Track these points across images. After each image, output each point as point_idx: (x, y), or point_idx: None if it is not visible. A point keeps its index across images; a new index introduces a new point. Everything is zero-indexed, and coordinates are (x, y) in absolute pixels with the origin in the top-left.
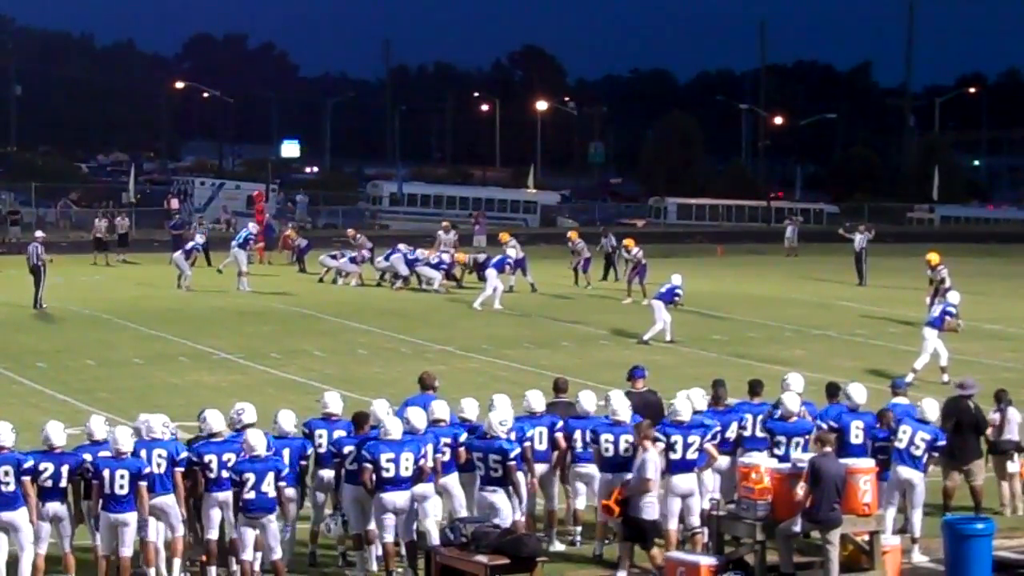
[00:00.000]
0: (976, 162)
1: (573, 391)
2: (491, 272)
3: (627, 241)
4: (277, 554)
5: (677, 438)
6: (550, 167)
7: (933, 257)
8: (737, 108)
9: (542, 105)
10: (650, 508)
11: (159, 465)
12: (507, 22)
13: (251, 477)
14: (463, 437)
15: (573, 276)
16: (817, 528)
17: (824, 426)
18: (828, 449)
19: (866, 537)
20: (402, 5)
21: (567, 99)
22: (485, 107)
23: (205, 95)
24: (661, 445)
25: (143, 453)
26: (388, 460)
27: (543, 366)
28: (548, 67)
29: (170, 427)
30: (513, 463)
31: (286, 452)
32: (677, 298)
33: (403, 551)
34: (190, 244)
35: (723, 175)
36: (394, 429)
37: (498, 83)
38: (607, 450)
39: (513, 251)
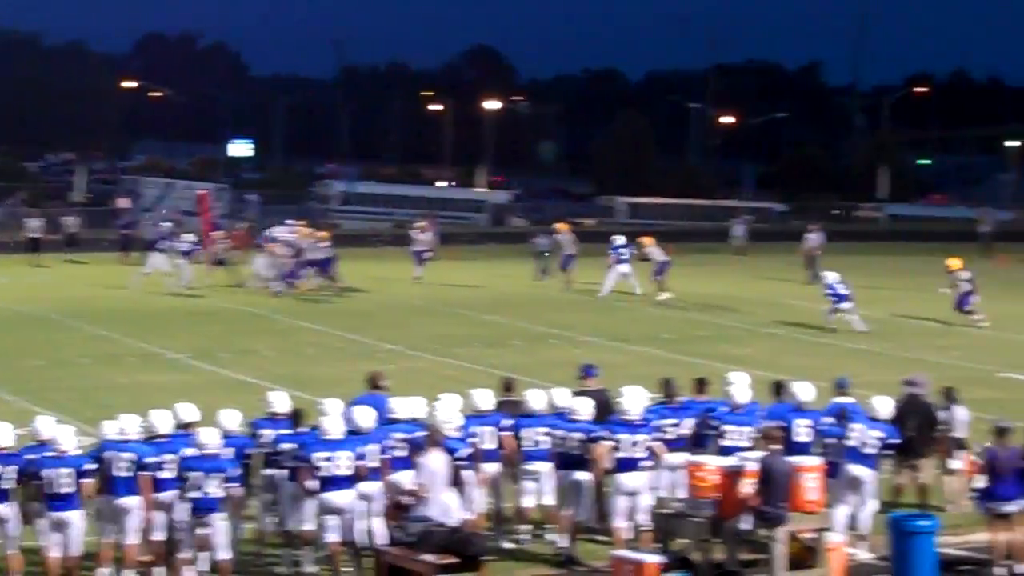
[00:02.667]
0: (925, 161)
1: (523, 390)
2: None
3: (645, 239)
4: (223, 554)
5: (623, 437)
6: (501, 166)
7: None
8: (687, 107)
9: (493, 104)
10: (441, 511)
11: (127, 468)
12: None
13: (197, 476)
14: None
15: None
16: (764, 526)
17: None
18: (777, 447)
19: (812, 534)
20: (354, 5)
21: (518, 98)
22: (436, 106)
23: (156, 94)
24: (609, 444)
25: (111, 455)
26: (323, 460)
27: (492, 365)
28: (499, 66)
29: (139, 429)
30: (461, 462)
31: (229, 451)
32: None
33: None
34: (185, 246)
35: (673, 174)
36: (332, 428)
37: (449, 82)
38: (559, 446)
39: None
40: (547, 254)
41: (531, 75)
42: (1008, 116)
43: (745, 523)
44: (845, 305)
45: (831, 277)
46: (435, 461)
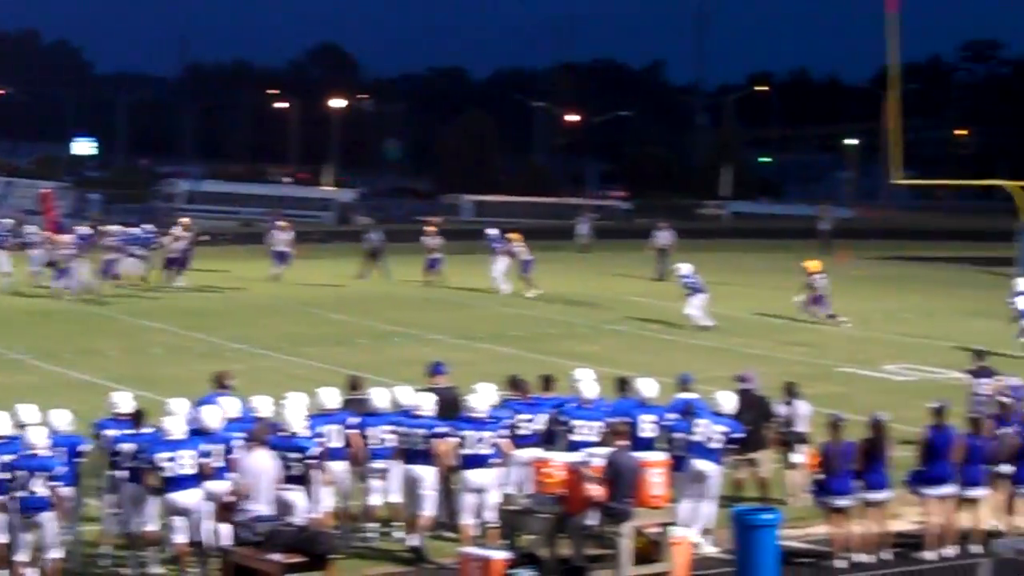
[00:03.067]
0: (766, 159)
1: (370, 388)
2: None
3: (513, 235)
4: (54, 553)
5: (469, 433)
6: (346, 165)
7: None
8: (532, 106)
9: (338, 103)
10: (271, 510)
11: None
12: (304, 20)
13: (23, 476)
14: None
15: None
16: (610, 521)
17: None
18: (624, 443)
19: (657, 529)
20: (198, 2)
21: (363, 97)
22: (282, 105)
23: None
24: (454, 441)
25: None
26: (166, 460)
27: (340, 364)
28: (344, 65)
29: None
30: (313, 460)
31: (61, 451)
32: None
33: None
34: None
35: (519, 172)
36: (173, 428)
37: (295, 81)
38: (403, 443)
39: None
40: (378, 251)
41: (376, 73)
42: (846, 115)
43: (591, 519)
44: (700, 297)
45: (685, 268)
46: (259, 460)
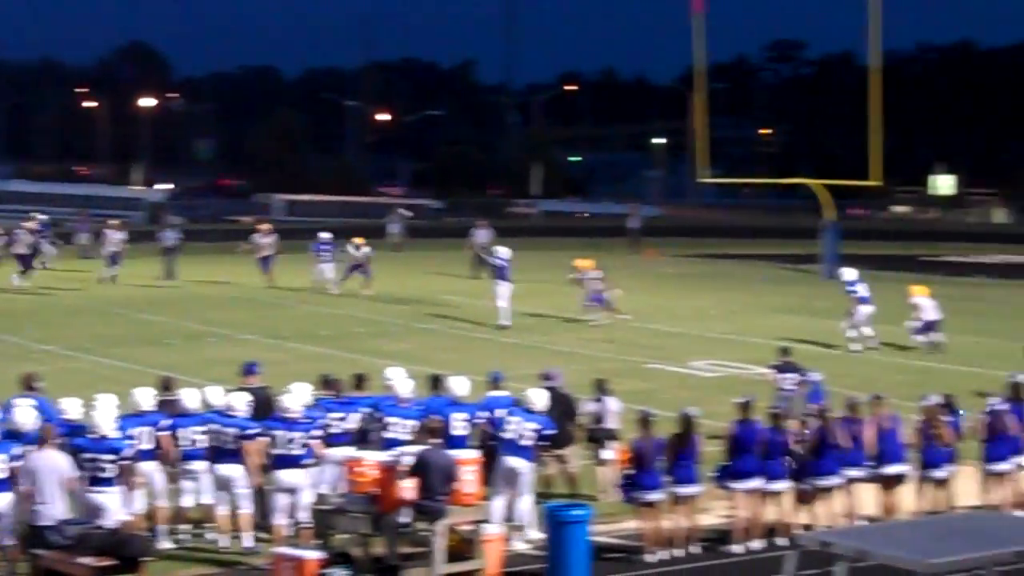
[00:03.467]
0: (575, 158)
1: (181, 389)
2: None
3: (357, 239)
4: None
5: (280, 434)
6: (157, 164)
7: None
8: (343, 105)
9: (148, 101)
10: (62, 511)
11: None
12: (112, 18)
13: None
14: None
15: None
16: (423, 519)
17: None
18: (436, 440)
19: (469, 527)
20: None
21: (173, 95)
22: (91, 103)
23: None
24: (265, 440)
25: None
26: None
27: (150, 364)
28: (154, 63)
29: None
30: (125, 462)
31: None
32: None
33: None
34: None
35: (330, 171)
36: None
37: (104, 79)
38: (215, 441)
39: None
40: (171, 251)
41: (186, 72)
42: (654, 114)
43: (404, 517)
44: (505, 286)
45: (503, 251)
46: (49, 460)
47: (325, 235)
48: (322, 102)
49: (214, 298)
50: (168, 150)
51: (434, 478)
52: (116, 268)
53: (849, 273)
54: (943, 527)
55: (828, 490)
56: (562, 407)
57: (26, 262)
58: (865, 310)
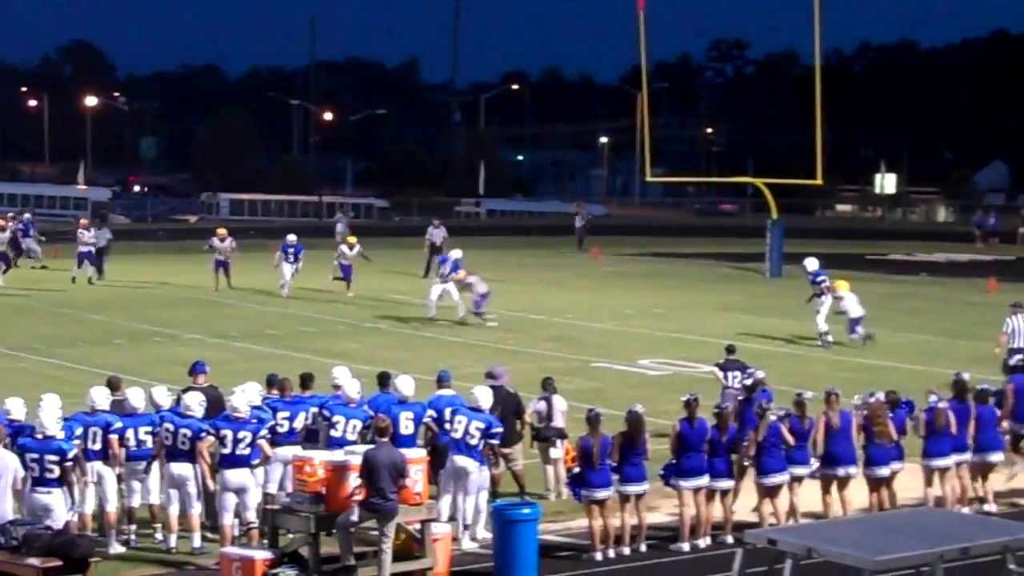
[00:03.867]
0: (521, 157)
1: (127, 389)
2: None
3: (350, 239)
4: None
5: (227, 433)
6: (101, 163)
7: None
8: (288, 104)
9: (91, 100)
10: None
11: None
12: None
13: None
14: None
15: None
16: (372, 518)
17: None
18: (383, 439)
19: (418, 526)
20: None
21: (117, 94)
22: (33, 102)
23: None
24: (212, 440)
25: None
26: None
27: (97, 364)
28: (97, 62)
29: None
30: (71, 463)
31: None
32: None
33: None
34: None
35: (275, 170)
36: None
37: (47, 78)
38: (167, 439)
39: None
40: (103, 250)
41: (130, 71)
42: (599, 113)
43: (353, 516)
44: (450, 285)
45: (455, 253)
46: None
47: (292, 237)
48: (267, 101)
49: (160, 298)
50: (113, 149)
51: (382, 477)
52: (83, 268)
53: (812, 264)
54: (889, 524)
55: (778, 487)
56: (509, 405)
57: (4, 260)
58: (829, 302)
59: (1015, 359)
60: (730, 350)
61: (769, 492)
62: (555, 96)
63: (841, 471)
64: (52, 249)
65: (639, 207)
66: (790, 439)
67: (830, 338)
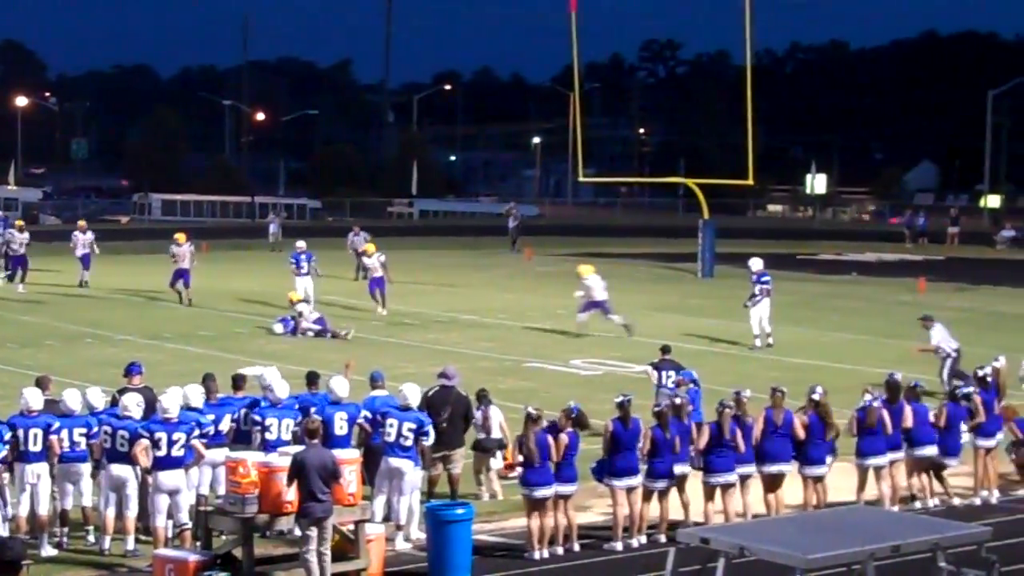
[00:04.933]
0: (452, 157)
1: (59, 391)
2: None
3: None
4: None
5: (162, 435)
6: (32, 163)
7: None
8: (221, 104)
9: (22, 100)
10: None
11: None
12: None
13: None
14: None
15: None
16: (306, 520)
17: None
18: (314, 441)
19: (351, 526)
20: None
21: (48, 94)
22: None
23: None
24: (146, 443)
25: None
26: None
27: (27, 366)
28: (28, 62)
29: None
30: (2, 465)
31: None
32: None
33: None
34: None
35: (208, 171)
36: None
37: None
38: (107, 442)
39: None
40: (11, 254)
41: (61, 71)
42: (531, 113)
43: (286, 517)
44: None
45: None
46: None
47: (302, 244)
48: (199, 101)
49: (91, 299)
50: (44, 149)
51: (312, 479)
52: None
53: (756, 264)
54: (821, 523)
55: (727, 487)
56: (459, 408)
57: None
58: (767, 303)
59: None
60: (665, 350)
61: (714, 492)
62: (487, 97)
63: (775, 468)
64: None
65: (572, 207)
66: (740, 440)
67: (765, 340)
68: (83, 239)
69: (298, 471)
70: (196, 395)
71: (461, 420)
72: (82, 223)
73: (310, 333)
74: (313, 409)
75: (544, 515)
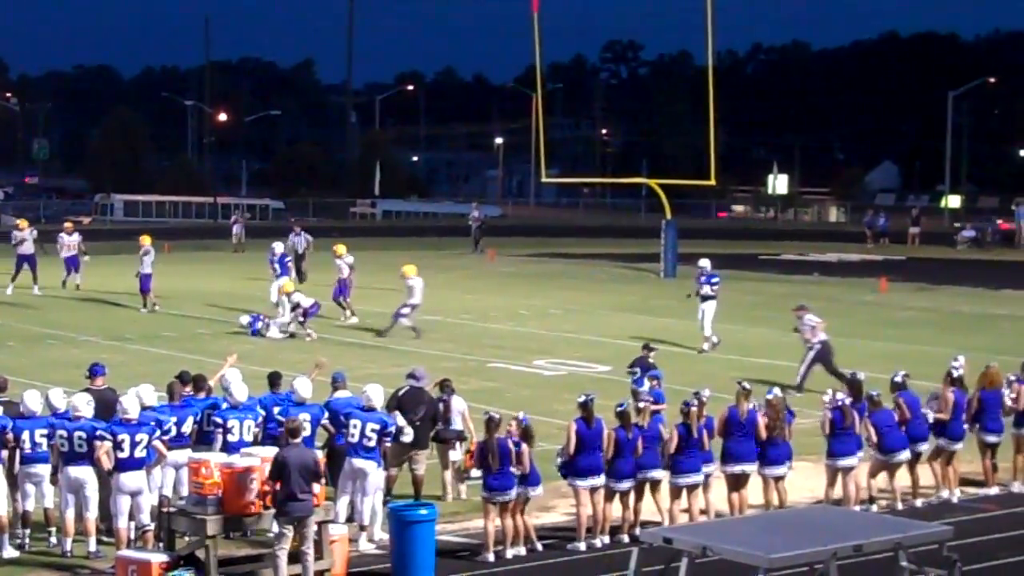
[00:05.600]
0: (415, 158)
1: (20, 392)
2: None
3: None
4: None
5: (124, 436)
6: None
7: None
8: (183, 105)
9: None
10: None
11: None
12: None
13: None
14: None
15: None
16: (285, 519)
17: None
18: (295, 440)
19: (315, 527)
20: None
21: (8, 95)
22: None
23: None
24: (108, 445)
25: None
26: None
27: None
28: None
29: None
30: None
31: None
32: None
33: None
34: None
35: (170, 172)
36: None
37: None
38: (63, 445)
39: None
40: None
41: (22, 71)
42: (494, 114)
43: (249, 519)
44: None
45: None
46: None
47: (279, 246)
48: (161, 102)
49: (53, 300)
50: (5, 150)
51: (293, 478)
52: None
53: (706, 264)
54: (784, 522)
55: (694, 487)
56: (428, 410)
57: None
58: (715, 305)
59: (899, 376)
60: (647, 348)
61: (681, 492)
62: (450, 97)
63: (739, 468)
64: None
65: (535, 207)
66: (706, 440)
67: (716, 339)
68: (68, 241)
69: (280, 469)
70: (148, 393)
71: (429, 422)
72: (68, 224)
73: (283, 335)
74: (277, 409)
75: (504, 516)
